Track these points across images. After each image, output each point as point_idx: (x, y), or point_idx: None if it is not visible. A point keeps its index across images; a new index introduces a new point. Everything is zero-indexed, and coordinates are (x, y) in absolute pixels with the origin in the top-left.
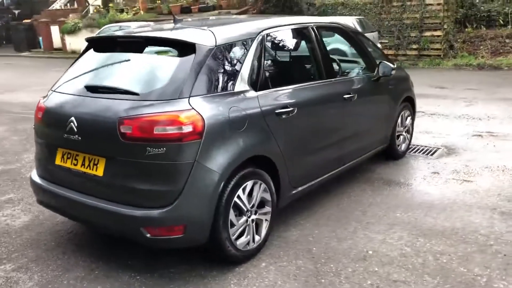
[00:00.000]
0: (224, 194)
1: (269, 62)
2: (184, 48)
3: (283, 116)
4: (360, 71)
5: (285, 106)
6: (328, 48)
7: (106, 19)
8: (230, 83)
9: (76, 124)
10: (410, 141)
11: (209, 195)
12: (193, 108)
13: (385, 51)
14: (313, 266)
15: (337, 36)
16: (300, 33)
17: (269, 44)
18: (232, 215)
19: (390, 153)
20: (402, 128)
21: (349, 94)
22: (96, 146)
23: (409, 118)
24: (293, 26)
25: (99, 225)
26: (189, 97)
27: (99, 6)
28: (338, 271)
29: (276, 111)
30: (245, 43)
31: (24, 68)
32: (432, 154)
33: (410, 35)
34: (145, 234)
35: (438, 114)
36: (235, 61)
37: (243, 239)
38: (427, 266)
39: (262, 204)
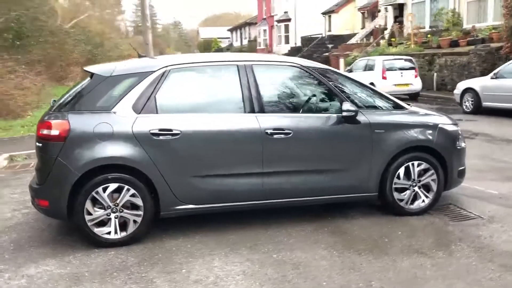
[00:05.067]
0: (83, 187)
1: (166, 91)
2: (92, 76)
3: (161, 138)
4: (326, 110)
5: (168, 130)
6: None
7: (376, 52)
8: (109, 105)
9: None
10: (433, 200)
11: (65, 184)
12: (66, 120)
13: None
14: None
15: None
16: (217, 70)
17: (171, 77)
18: (88, 205)
19: (388, 206)
20: (408, 182)
21: (280, 130)
22: None
23: (429, 172)
24: (205, 64)
25: None
26: (69, 111)
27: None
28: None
29: (152, 132)
30: (140, 76)
31: None
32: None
33: None
34: (35, 203)
35: None
36: (123, 89)
37: (103, 228)
38: None
39: (135, 206)
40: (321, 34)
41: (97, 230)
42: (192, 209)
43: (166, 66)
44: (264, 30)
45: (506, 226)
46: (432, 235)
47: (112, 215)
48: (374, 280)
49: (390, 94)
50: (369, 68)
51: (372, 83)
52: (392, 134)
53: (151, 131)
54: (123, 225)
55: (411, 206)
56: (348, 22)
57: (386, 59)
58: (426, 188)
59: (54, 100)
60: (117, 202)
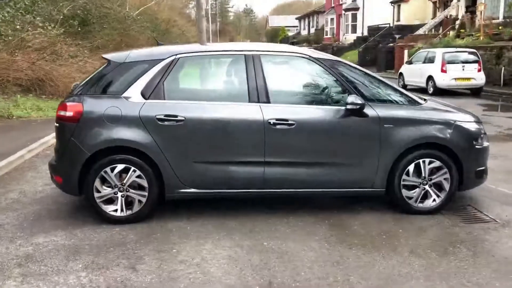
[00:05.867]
0: (93, 166)
1: (174, 79)
2: (108, 62)
3: (166, 123)
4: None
5: (173, 116)
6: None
7: (441, 44)
8: (120, 89)
9: None
10: (445, 200)
11: (76, 162)
12: (80, 102)
13: None
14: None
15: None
16: (224, 59)
17: (180, 65)
18: (97, 183)
19: (397, 203)
20: (418, 179)
21: (283, 120)
22: None
23: (441, 171)
24: (214, 53)
25: None
26: (84, 95)
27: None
28: None
29: (158, 117)
30: (151, 62)
31: None
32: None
33: None
34: (53, 178)
35: None
36: (134, 75)
37: (110, 206)
38: None
39: (141, 187)
40: (389, 24)
41: (104, 207)
42: (195, 193)
43: (176, 54)
44: (332, 19)
45: None
46: (434, 235)
47: (119, 194)
48: (353, 275)
49: (450, 89)
50: (428, 60)
51: (430, 76)
52: (402, 130)
53: (157, 116)
54: (129, 204)
55: (421, 205)
56: (418, 11)
57: (447, 51)
58: (438, 187)
59: (76, 84)
60: (124, 182)
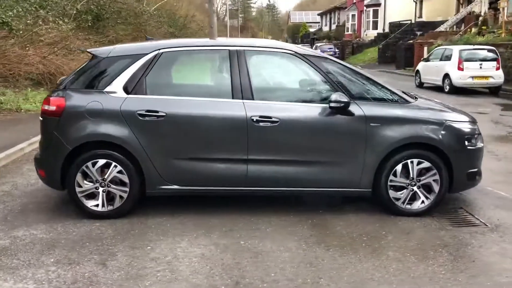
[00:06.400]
0: (75, 161)
1: (156, 74)
2: (93, 57)
3: (147, 118)
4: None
5: (154, 111)
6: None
7: (461, 41)
8: (103, 84)
9: None
10: (434, 202)
11: (58, 157)
12: (63, 97)
13: None
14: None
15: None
16: (208, 54)
17: (163, 60)
18: (79, 178)
19: (384, 204)
20: (406, 180)
21: (267, 117)
22: None
23: (430, 172)
24: (198, 48)
25: None
26: (67, 89)
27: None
28: None
29: (139, 112)
30: (134, 57)
31: None
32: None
33: None
34: (38, 172)
35: None
36: (117, 70)
37: (92, 201)
38: None
39: (122, 183)
40: (410, 20)
41: (86, 202)
42: (177, 190)
43: (159, 49)
44: (353, 15)
45: (506, 237)
46: (417, 238)
47: (100, 189)
48: (324, 277)
49: (467, 87)
50: (445, 57)
51: (447, 74)
52: (389, 129)
53: (138, 112)
54: (110, 200)
55: (409, 207)
56: (441, 7)
57: (465, 49)
58: (428, 188)
59: (63, 79)
60: (105, 177)
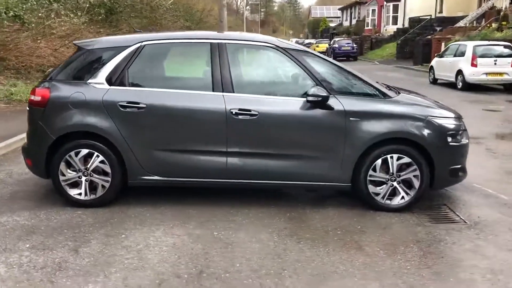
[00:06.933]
0: (58, 150)
1: (138, 66)
2: (78, 48)
3: (128, 110)
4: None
5: (135, 102)
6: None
7: (479, 36)
8: (87, 76)
9: None
10: (415, 198)
11: (43, 146)
12: (48, 88)
13: None
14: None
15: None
16: (190, 47)
17: (145, 52)
18: (62, 167)
19: (363, 199)
20: (386, 175)
21: (246, 110)
22: None
23: (411, 168)
24: (181, 40)
25: None
26: (52, 80)
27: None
28: None
29: (120, 104)
30: (117, 49)
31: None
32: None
33: None
34: (25, 161)
35: None
36: (100, 61)
37: (75, 189)
38: None
39: (105, 172)
40: (430, 15)
41: (69, 190)
42: (158, 181)
43: (142, 42)
44: (373, 10)
45: (482, 234)
46: (391, 233)
47: (83, 178)
48: (288, 269)
49: (480, 84)
50: (459, 53)
51: (460, 71)
52: (369, 123)
53: (119, 103)
54: (93, 189)
55: (388, 202)
56: (462, 2)
57: (479, 45)
58: (408, 184)
59: (51, 70)
60: (88, 166)
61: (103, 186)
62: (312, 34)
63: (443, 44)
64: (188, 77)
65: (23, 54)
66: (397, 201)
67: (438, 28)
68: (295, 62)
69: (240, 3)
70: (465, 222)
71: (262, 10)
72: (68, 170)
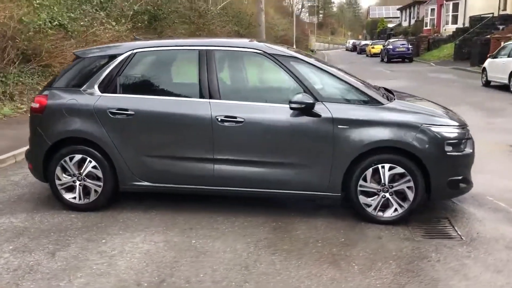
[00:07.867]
0: (54, 155)
1: (129, 73)
2: (76, 57)
3: (117, 116)
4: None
5: (124, 109)
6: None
7: None
8: (81, 83)
9: None
10: (409, 211)
11: (41, 151)
12: (46, 95)
13: None
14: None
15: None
16: (179, 54)
17: (136, 60)
18: (58, 171)
19: (355, 210)
20: (377, 186)
21: (232, 117)
22: None
23: (404, 179)
24: (170, 48)
25: None
26: (52, 88)
27: None
28: None
29: (110, 110)
30: (110, 57)
31: (439, 81)
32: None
33: None
34: (28, 164)
35: None
36: (94, 69)
37: (70, 194)
38: None
39: (98, 178)
40: (492, 13)
41: (65, 194)
42: (148, 187)
43: (133, 50)
44: (432, 9)
45: (474, 252)
46: (374, 248)
47: (77, 183)
48: (250, 282)
49: None
50: None
51: None
52: (358, 131)
53: (110, 110)
54: (87, 193)
55: (380, 214)
56: None
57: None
58: (402, 196)
59: (52, 78)
60: (81, 171)
61: (95, 191)
62: (370, 35)
63: (502, 43)
64: (176, 84)
65: (67, 61)
66: (389, 213)
67: (500, 27)
68: (282, 68)
69: (296, 5)
70: (461, 238)
71: (320, 12)
72: (64, 175)
